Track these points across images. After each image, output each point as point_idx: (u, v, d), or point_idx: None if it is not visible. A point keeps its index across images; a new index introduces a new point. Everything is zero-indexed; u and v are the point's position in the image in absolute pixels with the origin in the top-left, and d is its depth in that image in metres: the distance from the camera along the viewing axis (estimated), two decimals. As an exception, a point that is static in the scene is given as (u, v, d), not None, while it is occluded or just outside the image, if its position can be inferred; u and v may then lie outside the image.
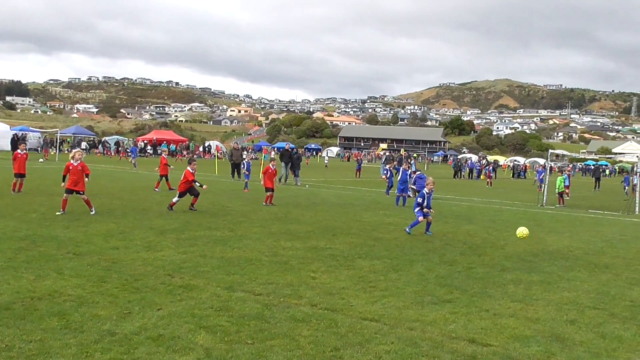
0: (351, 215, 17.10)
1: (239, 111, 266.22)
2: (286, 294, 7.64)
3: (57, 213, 13.76)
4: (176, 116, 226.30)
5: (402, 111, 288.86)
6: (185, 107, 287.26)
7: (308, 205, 19.45)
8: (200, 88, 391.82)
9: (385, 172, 22.96)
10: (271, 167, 19.41)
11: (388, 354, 5.57)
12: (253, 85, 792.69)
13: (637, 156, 35.43)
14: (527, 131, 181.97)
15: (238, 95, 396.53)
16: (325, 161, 68.26)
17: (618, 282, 9.53)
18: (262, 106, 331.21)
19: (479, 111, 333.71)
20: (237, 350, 5.44)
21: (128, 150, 51.91)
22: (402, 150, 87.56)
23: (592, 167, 72.20)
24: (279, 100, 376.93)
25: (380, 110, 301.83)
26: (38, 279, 7.69)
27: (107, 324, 6.02)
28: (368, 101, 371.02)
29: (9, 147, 46.99)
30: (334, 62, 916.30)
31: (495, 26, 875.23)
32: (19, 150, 19.03)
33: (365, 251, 11.18)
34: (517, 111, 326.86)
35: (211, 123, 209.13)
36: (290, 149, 35.83)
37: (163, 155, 24.57)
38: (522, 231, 13.09)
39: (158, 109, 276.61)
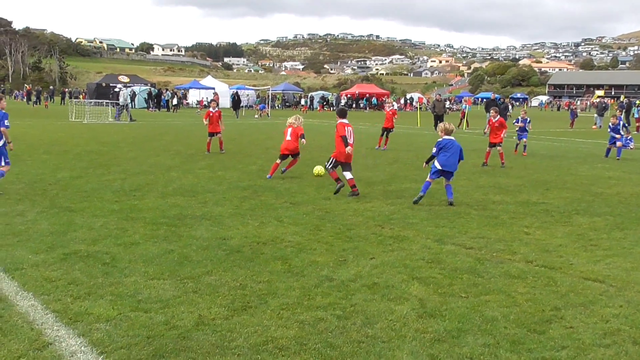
0: (565, 169, 15.94)
1: (440, 62, 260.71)
2: (498, 249, 7.40)
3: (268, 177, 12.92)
4: (377, 69, 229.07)
5: (624, 53, 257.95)
6: (385, 59, 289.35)
7: (515, 157, 18.53)
8: (400, 40, 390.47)
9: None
10: (211, 110, 17.88)
11: (617, 318, 5.12)
12: (457, 34, 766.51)
13: None
14: None
15: (439, 46, 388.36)
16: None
17: None
18: (464, 55, 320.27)
19: None
20: (452, 303, 5.41)
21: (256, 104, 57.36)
22: (621, 96, 78.79)
23: None
24: (482, 49, 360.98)
25: (597, 54, 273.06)
26: (261, 226, 8.38)
27: (324, 270, 6.36)
28: (582, 44, 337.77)
29: (229, 105, 51.45)
30: (545, 3, 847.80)
31: None
32: (210, 109, 18.18)
33: (583, 207, 10.35)
34: None
35: (411, 75, 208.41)
36: (495, 99, 34.39)
37: (388, 108, 22.31)
38: (317, 170, 12.67)
39: (359, 63, 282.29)
